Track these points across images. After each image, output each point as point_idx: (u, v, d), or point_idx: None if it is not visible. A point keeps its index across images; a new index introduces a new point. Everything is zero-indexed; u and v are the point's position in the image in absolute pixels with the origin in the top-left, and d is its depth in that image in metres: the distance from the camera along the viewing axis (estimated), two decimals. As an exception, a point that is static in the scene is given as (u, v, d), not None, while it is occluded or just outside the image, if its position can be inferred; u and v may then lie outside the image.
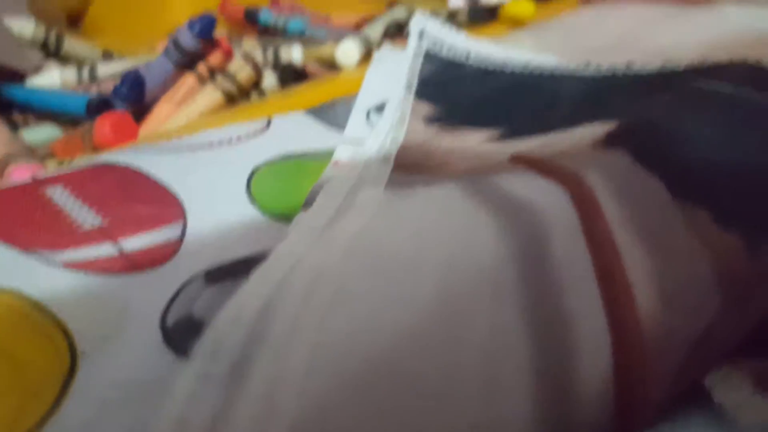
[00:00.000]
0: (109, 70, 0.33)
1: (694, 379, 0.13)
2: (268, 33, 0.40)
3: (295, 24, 0.38)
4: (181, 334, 0.13)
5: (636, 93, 0.20)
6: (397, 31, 0.35)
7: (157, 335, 0.13)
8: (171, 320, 0.13)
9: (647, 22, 0.34)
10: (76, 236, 0.15)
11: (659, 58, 0.21)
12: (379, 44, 0.33)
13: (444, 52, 0.25)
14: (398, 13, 0.36)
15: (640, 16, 0.36)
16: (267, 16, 0.39)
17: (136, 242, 0.15)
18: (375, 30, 0.34)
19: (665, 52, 0.27)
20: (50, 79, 0.33)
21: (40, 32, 0.35)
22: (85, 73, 0.33)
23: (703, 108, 0.17)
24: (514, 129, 0.20)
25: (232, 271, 0.14)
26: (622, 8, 0.38)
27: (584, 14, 0.39)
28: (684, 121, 0.16)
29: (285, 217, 0.17)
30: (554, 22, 0.39)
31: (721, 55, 0.20)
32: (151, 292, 0.14)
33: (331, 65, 0.34)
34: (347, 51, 0.32)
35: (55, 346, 0.12)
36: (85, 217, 0.16)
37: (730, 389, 0.13)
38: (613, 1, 0.40)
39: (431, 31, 0.26)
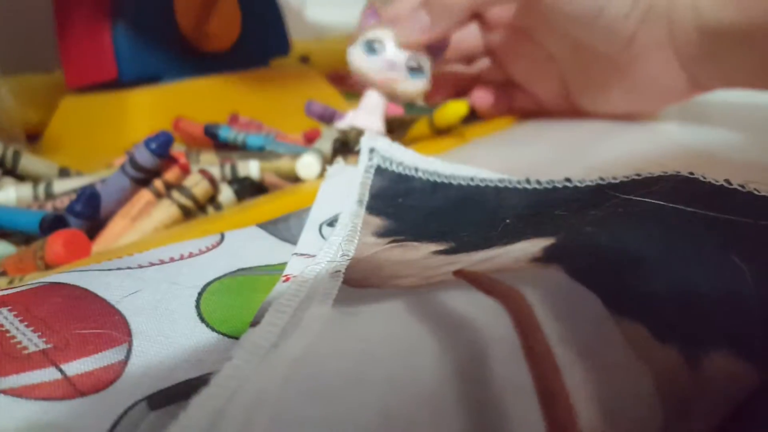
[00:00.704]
0: (66, 187, 0.33)
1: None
2: (227, 147, 0.41)
3: (253, 140, 0.40)
4: (120, 464, 0.12)
5: (573, 207, 0.21)
6: (342, 147, 0.36)
7: (95, 466, 0.12)
8: (110, 449, 0.13)
9: (584, 138, 0.36)
10: (19, 361, 0.15)
11: (596, 173, 0.22)
12: (330, 159, 0.34)
13: (393, 167, 0.26)
14: (337, 132, 0.37)
15: (577, 132, 0.38)
16: (226, 132, 0.40)
17: (79, 366, 0.15)
18: (324, 145, 0.35)
19: (602, 167, 0.29)
20: (5, 196, 0.33)
21: (-3, 149, 0.36)
22: (41, 189, 0.33)
23: (636, 221, 0.17)
24: (460, 243, 0.20)
25: (177, 395, 0.14)
26: (557, 125, 0.40)
27: (520, 131, 0.41)
28: (618, 234, 0.17)
29: (235, 335, 0.17)
30: (493, 138, 0.40)
31: (654, 169, 0.21)
32: (93, 419, 0.14)
33: (289, 178, 0.35)
34: (308, 164, 0.33)
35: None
36: (30, 340, 0.16)
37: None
38: (546, 119, 0.43)
39: (381, 148, 0.27)
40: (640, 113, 0.39)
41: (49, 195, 0.33)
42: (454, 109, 0.39)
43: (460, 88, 0.46)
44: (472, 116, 0.43)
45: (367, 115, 0.39)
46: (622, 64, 0.37)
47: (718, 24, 0.32)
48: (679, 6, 0.34)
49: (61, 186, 0.33)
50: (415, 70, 0.39)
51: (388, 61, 0.39)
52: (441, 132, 0.41)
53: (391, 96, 0.40)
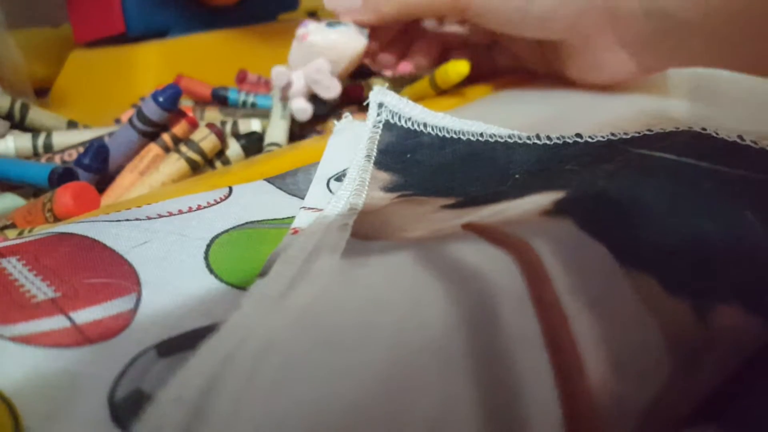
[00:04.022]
0: (66, 139, 0.33)
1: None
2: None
3: (263, 100, 0.39)
4: (129, 409, 0.12)
5: (584, 162, 0.20)
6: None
7: (104, 411, 0.12)
8: (119, 395, 0.13)
9: (572, 105, 0.36)
10: (28, 309, 0.15)
11: (607, 128, 0.22)
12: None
13: (402, 122, 0.26)
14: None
15: (564, 100, 0.38)
16: (235, 95, 0.40)
17: (88, 314, 0.15)
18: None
19: (614, 122, 0.28)
20: (4, 146, 0.33)
21: (5, 103, 0.35)
22: (40, 140, 0.33)
23: (648, 175, 0.17)
24: (468, 197, 0.20)
25: (186, 343, 0.14)
26: (541, 91, 0.40)
27: (505, 97, 0.41)
28: (629, 188, 0.16)
29: (243, 286, 0.17)
30: (496, 98, 0.40)
31: (666, 125, 0.21)
32: (101, 366, 0.14)
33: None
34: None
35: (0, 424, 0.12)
36: (39, 288, 0.16)
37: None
38: (525, 87, 0.42)
39: (390, 103, 0.27)
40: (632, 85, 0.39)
41: (49, 146, 0.33)
42: (456, 68, 0.39)
43: (445, 49, 0.46)
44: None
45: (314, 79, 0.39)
46: (569, 46, 0.38)
47: (662, 10, 0.32)
48: None
49: (60, 138, 0.33)
50: (333, 24, 0.38)
51: (304, 21, 0.38)
52: (442, 92, 0.40)
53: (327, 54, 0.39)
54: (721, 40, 0.31)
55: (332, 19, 0.39)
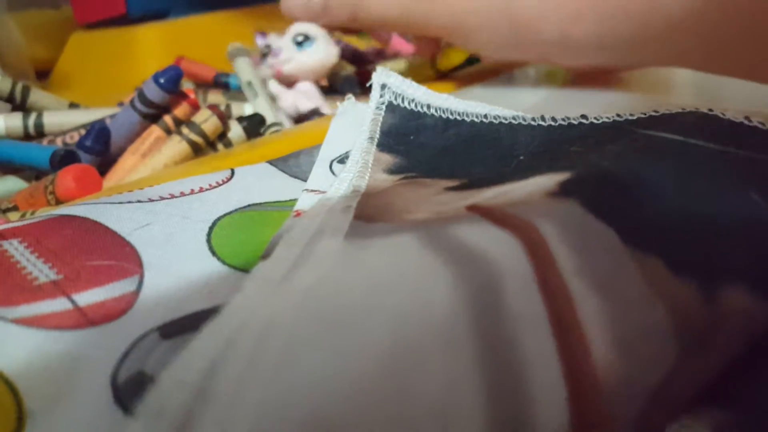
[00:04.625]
0: (61, 119, 0.33)
1: (654, 431, 0.13)
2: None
3: None
4: (131, 391, 0.12)
5: (589, 143, 0.20)
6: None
7: (107, 393, 0.12)
8: (122, 377, 0.13)
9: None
10: (30, 291, 0.15)
11: (613, 110, 0.22)
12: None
13: (405, 104, 0.26)
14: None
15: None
16: (236, 81, 0.40)
17: (90, 296, 0.15)
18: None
19: (619, 104, 0.28)
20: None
21: (6, 85, 0.35)
22: (31, 120, 0.32)
23: (654, 156, 0.17)
24: (472, 179, 0.20)
25: (189, 325, 0.14)
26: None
27: (507, 80, 0.40)
28: (635, 169, 0.16)
29: (245, 268, 0.17)
30: (496, 82, 0.40)
31: (672, 106, 0.21)
32: (104, 348, 0.14)
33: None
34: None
35: (2, 406, 0.12)
36: (41, 271, 0.16)
37: (689, 442, 0.13)
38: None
39: (393, 84, 0.26)
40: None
41: (39, 126, 0.32)
42: (456, 51, 0.38)
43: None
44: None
45: (305, 98, 0.39)
46: None
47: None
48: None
49: (51, 118, 0.33)
50: (302, 43, 0.38)
51: (274, 48, 0.38)
52: (442, 75, 0.40)
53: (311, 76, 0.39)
54: (708, 40, 0.31)
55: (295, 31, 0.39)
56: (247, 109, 0.35)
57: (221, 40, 0.49)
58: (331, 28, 0.39)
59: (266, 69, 0.38)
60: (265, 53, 0.39)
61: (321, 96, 0.38)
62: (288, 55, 0.37)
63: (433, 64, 0.40)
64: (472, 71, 0.41)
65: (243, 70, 0.38)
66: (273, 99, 0.38)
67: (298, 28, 0.38)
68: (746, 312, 0.13)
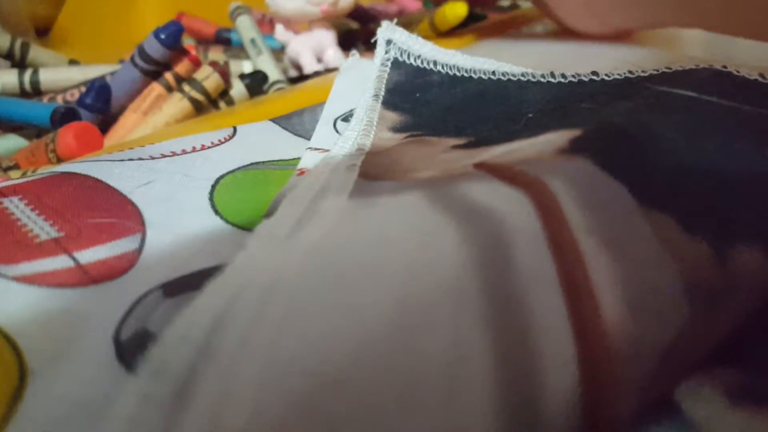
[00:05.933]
0: (57, 76, 0.32)
1: (664, 392, 0.13)
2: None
3: (268, 40, 0.39)
4: (134, 349, 0.12)
5: (600, 100, 0.20)
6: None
7: (110, 351, 0.12)
8: (125, 335, 0.13)
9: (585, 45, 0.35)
10: (31, 249, 0.15)
11: (625, 66, 0.21)
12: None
13: (411, 60, 0.25)
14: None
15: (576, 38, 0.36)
16: (238, 36, 0.39)
17: (92, 254, 0.15)
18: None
19: (634, 60, 0.27)
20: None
21: (5, 42, 0.35)
22: (27, 77, 0.32)
23: (667, 112, 0.17)
24: (480, 137, 0.19)
25: (191, 283, 0.14)
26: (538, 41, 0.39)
27: (516, 36, 0.39)
28: (648, 126, 0.16)
29: (249, 227, 0.17)
30: (496, 40, 0.39)
31: (685, 63, 0.20)
32: (106, 306, 0.13)
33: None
34: None
35: (4, 364, 0.12)
36: (41, 228, 0.16)
37: (700, 403, 0.13)
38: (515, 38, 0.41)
39: (399, 40, 0.26)
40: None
41: (35, 83, 0.32)
42: (453, 11, 0.38)
43: None
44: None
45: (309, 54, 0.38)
46: None
47: None
48: None
49: (47, 75, 0.32)
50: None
51: None
52: (443, 34, 0.40)
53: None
54: None
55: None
56: (246, 67, 0.35)
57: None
58: None
59: (309, 6, 0.37)
60: None
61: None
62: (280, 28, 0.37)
63: (432, 24, 0.39)
64: (480, 27, 0.40)
65: (246, 27, 0.37)
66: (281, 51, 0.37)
67: None
68: (759, 271, 0.13)
